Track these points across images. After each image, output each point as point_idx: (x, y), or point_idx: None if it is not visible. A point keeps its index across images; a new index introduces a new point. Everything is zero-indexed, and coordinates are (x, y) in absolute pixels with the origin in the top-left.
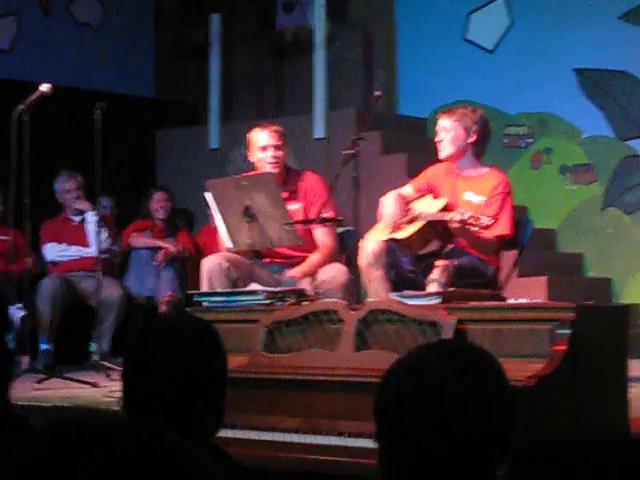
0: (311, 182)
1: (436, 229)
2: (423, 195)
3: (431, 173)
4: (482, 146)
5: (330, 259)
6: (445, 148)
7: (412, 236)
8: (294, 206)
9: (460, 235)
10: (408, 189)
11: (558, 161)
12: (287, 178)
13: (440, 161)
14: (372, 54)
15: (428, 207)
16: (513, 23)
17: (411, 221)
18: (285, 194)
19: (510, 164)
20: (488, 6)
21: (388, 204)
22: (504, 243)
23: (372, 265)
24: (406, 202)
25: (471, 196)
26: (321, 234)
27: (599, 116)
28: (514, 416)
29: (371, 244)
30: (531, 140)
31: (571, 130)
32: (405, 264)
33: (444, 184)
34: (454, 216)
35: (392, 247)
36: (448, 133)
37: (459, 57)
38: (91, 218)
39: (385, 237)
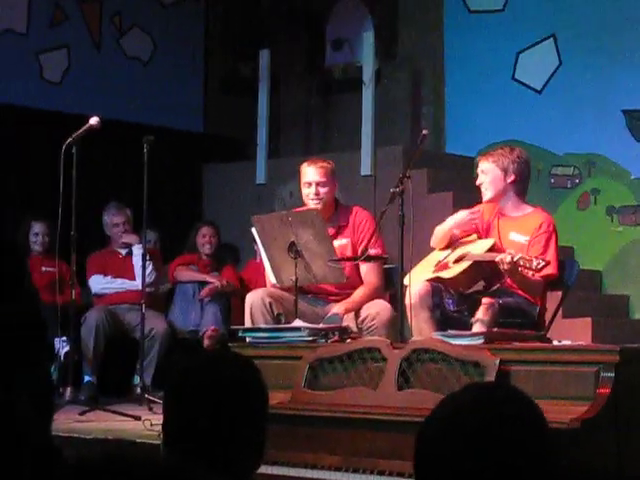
0: (359, 218)
1: (483, 269)
2: (468, 234)
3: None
4: (523, 185)
5: (375, 296)
6: (486, 191)
7: (458, 276)
8: (341, 241)
9: (510, 276)
10: (462, 214)
11: (605, 202)
12: (336, 213)
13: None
14: (420, 91)
15: (475, 247)
16: (562, 64)
17: (458, 260)
18: (333, 229)
19: (557, 204)
20: (537, 46)
21: (457, 215)
22: (550, 283)
23: (418, 306)
24: (450, 241)
25: (516, 236)
26: (367, 271)
27: None
28: (553, 459)
29: (417, 285)
30: (578, 181)
31: (618, 171)
32: (449, 305)
33: (489, 224)
34: (505, 257)
35: (437, 288)
36: (487, 175)
37: (507, 96)
38: (137, 251)
39: (431, 275)
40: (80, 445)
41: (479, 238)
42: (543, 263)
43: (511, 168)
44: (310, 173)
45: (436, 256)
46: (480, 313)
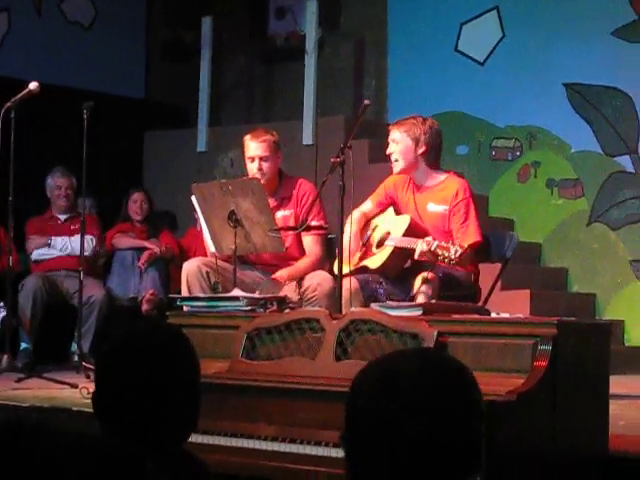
0: (303, 190)
1: (406, 251)
2: (384, 209)
3: (390, 186)
4: (434, 155)
5: (316, 267)
6: (397, 163)
7: (384, 264)
8: (285, 213)
9: (431, 263)
10: (368, 205)
11: (545, 175)
12: (280, 185)
13: None
14: (363, 62)
15: (392, 226)
16: (505, 36)
17: (380, 244)
18: (276, 201)
19: (497, 177)
20: (480, 18)
21: (346, 231)
22: (479, 251)
23: (349, 302)
24: (367, 220)
25: (434, 207)
26: (309, 242)
27: (588, 131)
28: (482, 428)
29: (346, 282)
30: (519, 153)
31: (559, 144)
32: (381, 296)
33: (404, 197)
34: (421, 247)
35: (365, 280)
36: (397, 145)
37: (450, 68)
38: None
39: (356, 264)
40: (15, 413)
41: (395, 212)
42: (460, 250)
43: (423, 139)
44: (252, 147)
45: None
46: (422, 286)
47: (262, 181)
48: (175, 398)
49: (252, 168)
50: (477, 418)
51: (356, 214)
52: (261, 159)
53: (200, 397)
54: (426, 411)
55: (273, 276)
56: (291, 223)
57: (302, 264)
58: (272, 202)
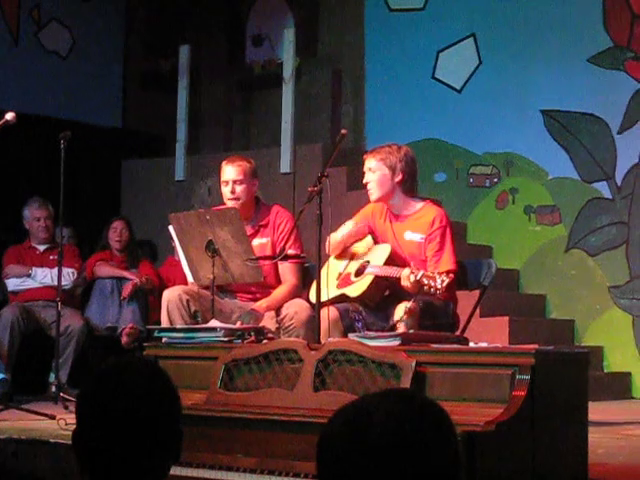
0: (280, 218)
1: (388, 280)
2: (362, 237)
3: (368, 214)
4: (411, 183)
5: (294, 295)
6: (373, 192)
7: (364, 293)
8: (261, 240)
9: (414, 292)
10: (342, 230)
11: (523, 202)
12: (256, 212)
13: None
14: (340, 89)
15: (373, 256)
16: (481, 63)
17: (359, 273)
18: (253, 228)
19: (475, 203)
20: (457, 45)
21: (340, 230)
22: (457, 279)
23: (329, 332)
24: (344, 246)
25: (411, 235)
26: (285, 270)
27: (565, 158)
28: (460, 469)
29: (324, 311)
30: (496, 180)
31: (537, 171)
32: (360, 328)
33: (381, 226)
34: (408, 277)
35: (345, 309)
36: (374, 174)
37: (427, 95)
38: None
39: (335, 292)
40: None
41: (374, 240)
42: (447, 280)
43: (399, 166)
44: (227, 171)
45: (335, 265)
46: (402, 315)
47: (236, 206)
48: (157, 434)
49: (226, 192)
50: (452, 458)
51: (334, 237)
52: (235, 182)
53: (182, 431)
54: (399, 451)
55: (252, 307)
56: (268, 251)
57: (279, 293)
58: (249, 229)
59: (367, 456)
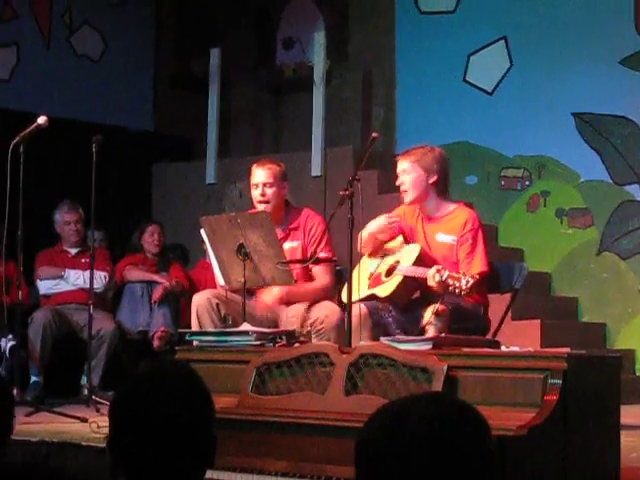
0: (311, 221)
1: (417, 281)
2: (393, 237)
3: (400, 214)
4: (445, 184)
5: (325, 295)
6: (408, 193)
7: (393, 292)
8: (292, 244)
9: (441, 293)
10: (374, 223)
11: (555, 205)
12: (286, 215)
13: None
14: (371, 92)
15: (403, 256)
16: (512, 65)
17: (389, 273)
18: (283, 232)
19: (506, 206)
20: (488, 48)
21: (376, 221)
22: (488, 281)
23: (358, 328)
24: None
25: (443, 237)
26: (318, 271)
27: (596, 160)
28: (495, 470)
29: (354, 307)
30: (528, 183)
31: (568, 174)
32: (389, 326)
33: (413, 228)
34: (433, 276)
35: (374, 306)
36: (408, 175)
37: (458, 98)
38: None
39: (366, 291)
40: (25, 448)
41: (405, 240)
42: (472, 281)
43: (434, 168)
44: (257, 174)
45: (367, 265)
46: (432, 317)
47: (267, 208)
48: (192, 439)
49: (255, 195)
50: (487, 460)
51: (365, 231)
52: (264, 185)
53: (215, 437)
54: (435, 452)
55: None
56: (298, 254)
57: (310, 287)
58: (279, 233)
59: (403, 459)
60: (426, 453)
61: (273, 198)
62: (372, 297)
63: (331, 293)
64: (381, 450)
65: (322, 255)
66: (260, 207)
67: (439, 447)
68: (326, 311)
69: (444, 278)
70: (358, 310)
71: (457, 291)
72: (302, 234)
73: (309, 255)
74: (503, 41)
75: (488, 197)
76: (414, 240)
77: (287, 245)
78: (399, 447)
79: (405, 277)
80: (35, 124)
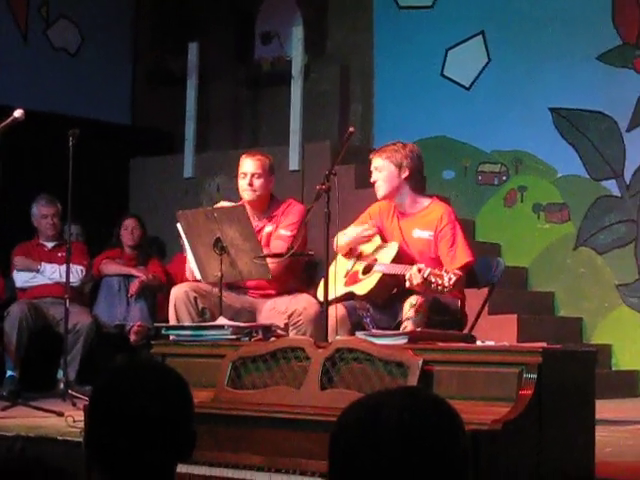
0: (291, 208)
1: (395, 278)
2: (370, 237)
3: (375, 213)
4: (418, 179)
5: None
6: (380, 188)
7: (371, 290)
8: (269, 229)
9: (422, 291)
10: (351, 231)
11: (532, 199)
12: (270, 206)
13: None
14: (349, 87)
15: (381, 254)
16: (490, 61)
17: (366, 270)
18: (267, 219)
19: (484, 201)
20: (466, 43)
21: (348, 231)
22: (468, 276)
23: (336, 329)
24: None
25: (419, 233)
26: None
27: (573, 156)
28: (468, 465)
29: (332, 309)
30: (505, 178)
31: (545, 169)
32: (368, 324)
33: (389, 225)
34: (414, 275)
35: (352, 306)
36: (380, 172)
37: (436, 93)
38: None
39: (343, 289)
40: (1, 442)
41: (381, 238)
42: (455, 278)
43: (405, 163)
44: (246, 164)
45: (344, 263)
46: (410, 312)
47: (253, 198)
48: (170, 433)
49: (242, 184)
50: (460, 454)
51: (341, 238)
52: (253, 175)
53: (195, 431)
54: (407, 446)
55: None
56: (273, 237)
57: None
58: (262, 221)
59: (376, 451)
60: (398, 446)
61: (260, 189)
62: (350, 295)
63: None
64: (354, 442)
65: (281, 232)
66: (245, 195)
67: (411, 440)
68: (304, 304)
69: (426, 275)
70: (335, 311)
71: (440, 288)
72: (277, 219)
73: (288, 246)
74: (481, 36)
75: (465, 192)
76: (391, 238)
77: (265, 232)
78: (372, 439)
79: (384, 275)
80: (12, 117)
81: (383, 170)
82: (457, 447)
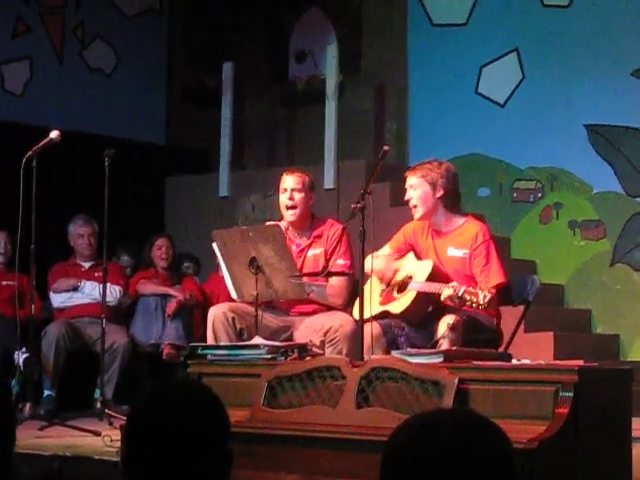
0: (333, 230)
1: (430, 297)
2: (403, 255)
3: (409, 232)
4: (453, 198)
5: (341, 304)
6: (417, 209)
7: (407, 309)
8: (315, 251)
9: (457, 308)
10: (387, 250)
11: (567, 216)
12: (311, 224)
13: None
14: (383, 105)
15: (415, 270)
16: (524, 77)
17: (401, 289)
18: (308, 240)
19: (519, 219)
20: (500, 60)
21: (377, 262)
22: (502, 294)
23: (372, 348)
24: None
25: (454, 251)
26: (335, 280)
27: (609, 172)
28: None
29: (367, 326)
30: (540, 195)
31: (581, 185)
32: (402, 343)
33: (423, 243)
34: (448, 293)
35: (387, 325)
36: (415, 190)
37: (470, 110)
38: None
39: (378, 308)
40: (38, 463)
41: (416, 256)
42: (489, 296)
43: (440, 182)
44: (287, 180)
45: (379, 282)
46: (446, 330)
47: (295, 214)
48: (207, 454)
49: (283, 200)
50: (511, 474)
51: (375, 260)
52: (293, 190)
53: (231, 451)
54: (460, 466)
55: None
56: (322, 261)
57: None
58: (303, 241)
59: (430, 471)
60: (450, 467)
61: (300, 204)
62: (385, 314)
63: (345, 297)
64: (406, 463)
65: (340, 262)
66: (287, 213)
67: (463, 462)
68: (340, 321)
69: (460, 294)
70: (371, 329)
71: (474, 306)
72: (325, 241)
73: (331, 264)
74: (515, 53)
75: (500, 209)
76: (425, 256)
77: (310, 253)
78: (425, 459)
79: (419, 293)
80: (48, 139)
81: (417, 188)
82: (507, 470)
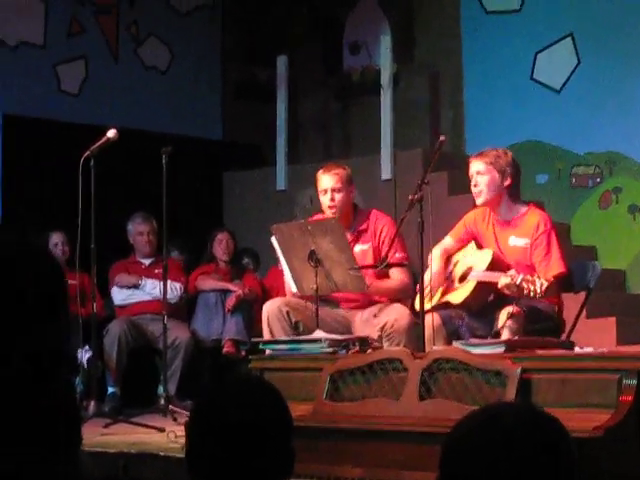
0: (380, 223)
1: (490, 286)
2: (464, 245)
3: (470, 221)
4: (517, 188)
5: (405, 293)
6: (482, 194)
7: (467, 299)
8: (363, 247)
9: (516, 297)
10: (448, 241)
11: (627, 201)
12: (355, 218)
13: (476, 206)
14: (439, 94)
15: (475, 260)
16: (580, 62)
17: (462, 279)
18: (352, 235)
19: (578, 204)
20: (555, 45)
21: (428, 269)
22: (563, 282)
23: (432, 338)
24: (447, 256)
25: (516, 240)
26: (395, 274)
27: None
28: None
29: (428, 318)
30: (599, 180)
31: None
32: (463, 332)
33: (485, 232)
34: (505, 281)
35: (447, 316)
36: (483, 177)
37: (526, 96)
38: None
39: (439, 300)
40: (103, 460)
41: (476, 245)
42: (546, 284)
43: (508, 171)
44: (325, 180)
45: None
46: (507, 321)
47: (336, 214)
48: (271, 450)
49: (325, 201)
50: (571, 466)
51: (437, 251)
52: (333, 190)
53: (294, 448)
54: (521, 459)
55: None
56: (369, 257)
57: (392, 284)
58: (349, 236)
59: (491, 463)
60: (511, 460)
61: (341, 203)
62: (445, 304)
63: (410, 292)
64: (467, 454)
65: (397, 256)
66: (330, 212)
67: (524, 455)
68: (395, 315)
69: (518, 282)
70: (431, 320)
71: (532, 294)
72: (372, 236)
73: (381, 257)
74: (570, 38)
75: (559, 195)
76: (486, 244)
77: (357, 248)
78: (486, 451)
79: (479, 282)
80: (105, 138)
81: (485, 174)
82: (565, 463)
